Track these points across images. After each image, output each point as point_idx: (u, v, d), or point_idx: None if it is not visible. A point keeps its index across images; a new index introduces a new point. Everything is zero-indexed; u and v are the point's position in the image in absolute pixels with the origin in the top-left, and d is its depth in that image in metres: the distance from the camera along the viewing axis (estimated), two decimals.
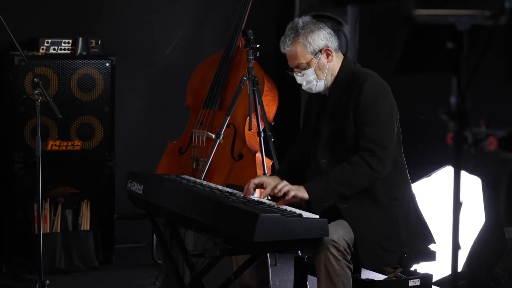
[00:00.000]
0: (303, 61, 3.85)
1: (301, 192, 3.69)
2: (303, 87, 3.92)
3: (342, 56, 3.93)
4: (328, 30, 3.89)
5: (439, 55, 2.16)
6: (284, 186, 3.71)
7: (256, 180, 3.93)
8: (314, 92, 3.92)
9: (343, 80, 3.85)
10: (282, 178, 3.97)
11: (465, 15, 2.08)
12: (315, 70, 3.85)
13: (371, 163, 3.68)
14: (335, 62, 3.89)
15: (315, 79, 3.86)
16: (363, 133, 3.72)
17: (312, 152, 3.96)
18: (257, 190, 4.16)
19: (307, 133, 4.02)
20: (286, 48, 3.87)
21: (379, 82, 3.81)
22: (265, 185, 3.89)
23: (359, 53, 6.01)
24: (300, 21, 3.87)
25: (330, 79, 3.88)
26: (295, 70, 3.90)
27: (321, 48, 3.84)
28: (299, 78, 3.90)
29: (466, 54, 2.09)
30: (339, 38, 5.81)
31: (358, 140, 3.74)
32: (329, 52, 3.86)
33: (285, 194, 3.72)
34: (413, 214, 3.87)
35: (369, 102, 3.74)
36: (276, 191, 3.70)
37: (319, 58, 3.84)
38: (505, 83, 4.97)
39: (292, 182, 3.86)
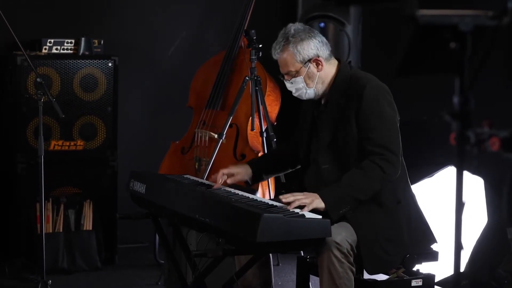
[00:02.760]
0: (292, 69, 3.84)
1: (317, 204, 3.63)
2: (293, 94, 3.92)
3: (336, 62, 3.91)
4: (320, 39, 3.86)
5: (442, 55, 2.15)
6: (302, 198, 3.63)
7: (225, 170, 4.00)
8: (304, 99, 3.92)
9: (341, 85, 3.83)
10: (252, 168, 4.06)
11: (468, 15, 2.08)
12: (304, 79, 3.84)
13: (382, 166, 3.66)
14: (328, 70, 3.86)
15: (304, 87, 3.85)
16: (369, 138, 3.71)
17: (312, 157, 3.95)
18: (259, 191, 4.17)
19: (304, 136, 4.01)
20: (276, 54, 3.87)
21: (379, 85, 3.79)
22: (235, 174, 4.00)
23: (362, 54, 5.99)
24: (292, 28, 3.85)
25: (321, 87, 3.86)
26: (285, 76, 3.89)
27: (310, 57, 3.82)
28: (289, 85, 3.90)
29: (469, 55, 2.09)
30: (341, 38, 5.86)
31: (364, 146, 3.72)
32: (319, 62, 3.83)
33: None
34: (415, 216, 3.87)
35: (371, 107, 3.72)
36: (292, 200, 3.62)
37: (308, 67, 3.83)
38: (508, 83, 4.98)
39: (266, 174, 4.09)
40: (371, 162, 3.67)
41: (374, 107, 3.73)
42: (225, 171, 4.00)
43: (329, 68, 3.87)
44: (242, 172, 4.04)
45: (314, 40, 3.83)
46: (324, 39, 3.89)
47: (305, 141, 3.99)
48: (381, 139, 3.70)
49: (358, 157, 3.74)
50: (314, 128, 3.95)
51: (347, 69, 3.88)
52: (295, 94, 3.91)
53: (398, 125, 3.80)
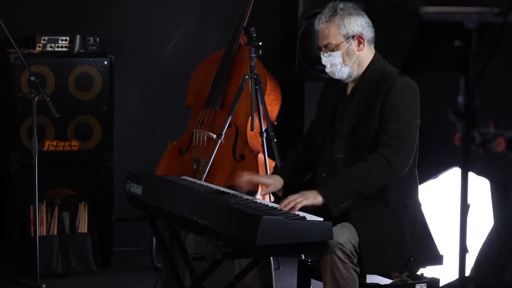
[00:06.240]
0: (333, 41, 3.79)
1: (312, 199, 3.59)
2: (326, 70, 3.86)
3: (374, 50, 3.87)
4: (367, 20, 3.84)
5: (447, 53, 2.14)
6: (293, 200, 3.59)
7: (255, 179, 3.92)
8: (336, 77, 3.85)
9: (372, 78, 3.80)
10: (284, 178, 3.94)
11: (473, 12, 2.07)
12: (342, 54, 3.79)
13: (389, 158, 3.62)
14: (366, 53, 3.82)
15: (340, 63, 3.80)
16: (385, 129, 3.68)
17: (326, 146, 3.89)
18: (259, 193, 4.12)
19: (322, 126, 3.95)
20: (321, 24, 3.82)
21: (410, 83, 3.76)
22: (267, 185, 3.90)
23: None
24: (342, 3, 3.83)
25: (356, 68, 3.82)
26: (323, 49, 3.84)
27: (354, 34, 3.78)
28: (324, 59, 3.84)
29: (474, 53, 2.08)
30: None
31: (379, 136, 3.69)
32: (362, 40, 3.79)
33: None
34: (420, 223, 3.84)
35: (397, 102, 3.69)
36: (285, 207, 3.58)
37: (350, 43, 3.79)
38: None
39: (296, 181, 3.93)
40: (379, 155, 3.64)
41: (399, 102, 3.70)
42: (256, 180, 3.93)
43: (368, 53, 3.84)
44: (274, 183, 3.93)
45: (361, 18, 3.82)
46: (371, 22, 3.86)
47: (321, 131, 3.93)
48: (396, 131, 3.67)
49: (374, 149, 3.70)
50: (333, 117, 3.90)
51: (380, 62, 3.85)
52: (328, 70, 3.85)
53: (418, 127, 3.78)
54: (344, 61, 3.79)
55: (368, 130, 3.72)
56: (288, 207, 3.55)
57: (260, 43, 5.27)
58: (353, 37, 3.78)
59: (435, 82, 5.27)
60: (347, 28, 3.77)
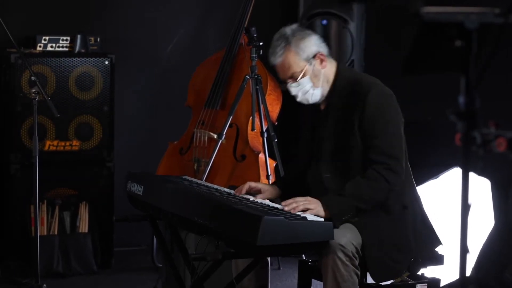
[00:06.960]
0: (297, 69, 3.74)
1: (318, 211, 3.57)
2: (297, 99, 3.81)
3: (334, 63, 3.83)
4: (317, 36, 3.80)
5: (447, 53, 2.13)
6: (303, 203, 3.58)
7: (253, 184, 3.87)
8: (310, 102, 3.81)
9: (342, 89, 3.76)
10: (282, 190, 3.94)
11: (474, 12, 2.05)
12: (310, 78, 3.74)
13: (386, 177, 3.61)
14: (329, 68, 3.79)
15: (311, 87, 3.75)
16: (374, 146, 3.65)
17: (313, 167, 3.87)
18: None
19: (305, 143, 3.94)
20: (278, 58, 3.76)
21: (383, 91, 3.72)
22: (262, 191, 3.87)
23: (365, 52, 5.94)
24: (287, 29, 3.78)
25: (326, 86, 3.78)
26: (288, 81, 3.78)
27: (314, 53, 3.74)
28: (294, 90, 3.78)
29: (474, 53, 2.07)
30: (344, 36, 5.79)
31: (368, 153, 3.66)
32: (323, 58, 3.75)
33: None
34: (420, 220, 3.82)
35: (376, 114, 3.65)
36: (294, 206, 3.56)
37: (313, 64, 3.74)
38: None
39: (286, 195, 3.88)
40: (376, 172, 3.62)
41: (379, 114, 3.66)
42: (253, 184, 3.89)
43: (330, 67, 3.80)
44: (270, 190, 3.92)
45: (313, 36, 3.79)
46: (321, 37, 3.83)
47: (306, 148, 3.91)
48: (386, 147, 3.64)
49: (361, 166, 3.68)
50: (313, 135, 3.88)
51: (347, 72, 3.84)
52: (300, 99, 3.80)
53: (403, 128, 3.74)
54: (314, 83, 3.75)
55: (350, 147, 3.69)
56: (291, 206, 3.54)
57: (261, 43, 5.23)
58: (314, 57, 3.73)
59: (435, 82, 5.27)
60: (306, 52, 3.72)
